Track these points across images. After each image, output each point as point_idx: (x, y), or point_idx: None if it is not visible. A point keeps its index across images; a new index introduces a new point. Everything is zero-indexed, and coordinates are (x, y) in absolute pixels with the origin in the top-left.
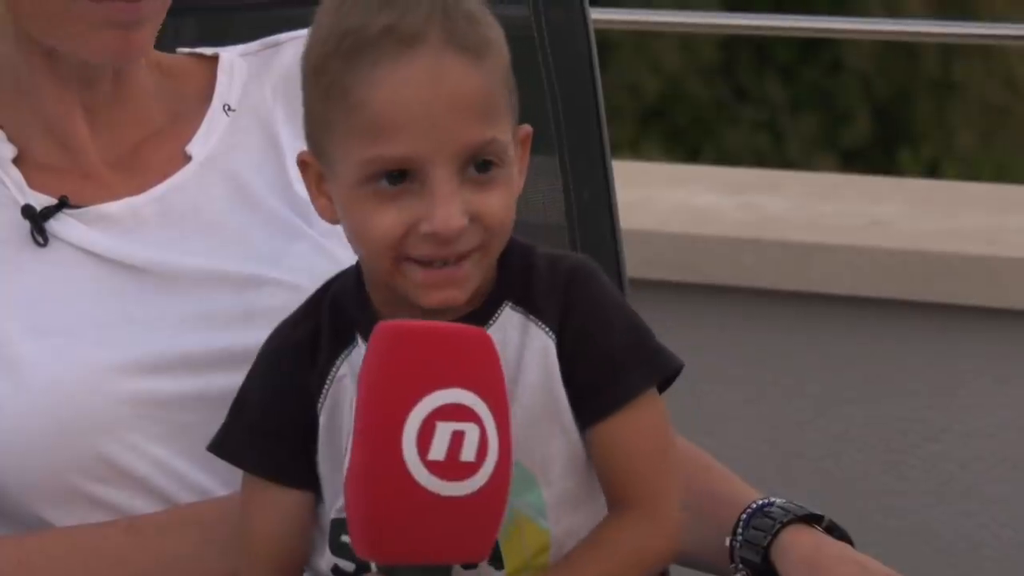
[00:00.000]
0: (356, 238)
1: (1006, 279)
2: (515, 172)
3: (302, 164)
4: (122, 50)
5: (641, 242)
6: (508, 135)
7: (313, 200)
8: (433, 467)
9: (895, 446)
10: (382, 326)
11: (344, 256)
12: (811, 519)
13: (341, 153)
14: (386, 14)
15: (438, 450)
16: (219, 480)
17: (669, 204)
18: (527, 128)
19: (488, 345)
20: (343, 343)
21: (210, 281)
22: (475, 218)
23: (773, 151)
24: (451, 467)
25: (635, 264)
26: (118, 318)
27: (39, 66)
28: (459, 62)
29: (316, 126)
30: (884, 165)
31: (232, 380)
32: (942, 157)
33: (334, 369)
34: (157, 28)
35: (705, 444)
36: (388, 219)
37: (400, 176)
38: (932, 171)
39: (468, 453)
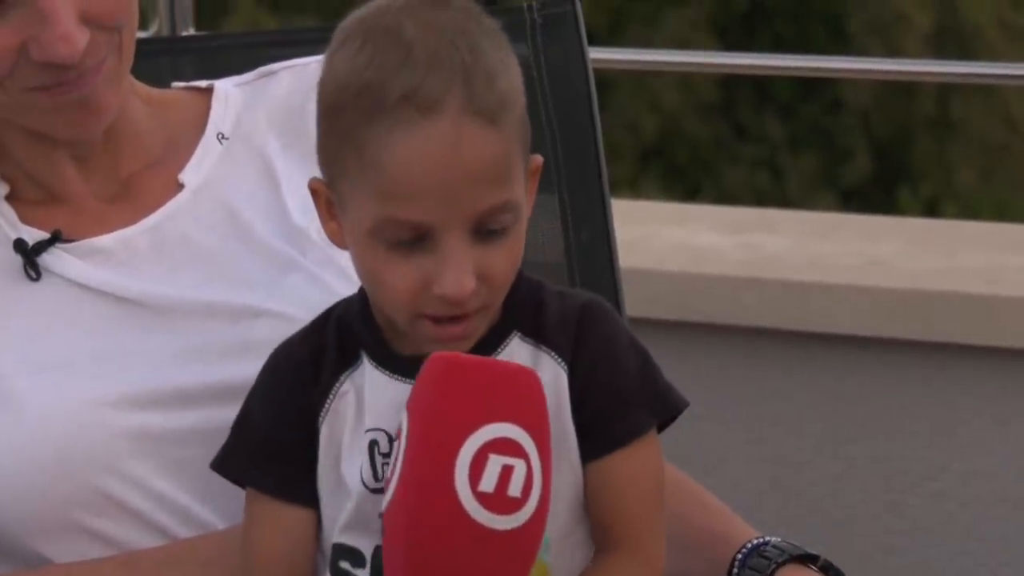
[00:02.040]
0: (370, 284)
1: (1006, 318)
2: (524, 216)
3: (313, 191)
4: (87, 125)
5: (640, 281)
6: (522, 187)
7: (324, 224)
8: (482, 498)
9: (895, 485)
10: (436, 357)
11: (339, 286)
12: (806, 559)
13: (353, 200)
14: (406, 75)
15: (488, 482)
16: (219, 514)
17: (668, 243)
18: (538, 159)
19: (537, 385)
20: (347, 361)
21: (204, 313)
22: (482, 277)
23: (772, 190)
24: (499, 500)
25: (634, 303)
26: (113, 352)
27: (19, 134)
28: (477, 130)
29: (329, 162)
30: (883, 204)
31: (228, 414)
32: (941, 196)
33: (337, 384)
34: (119, 88)
35: (705, 483)
36: (401, 277)
37: (412, 235)
38: (931, 210)
39: (515, 488)
